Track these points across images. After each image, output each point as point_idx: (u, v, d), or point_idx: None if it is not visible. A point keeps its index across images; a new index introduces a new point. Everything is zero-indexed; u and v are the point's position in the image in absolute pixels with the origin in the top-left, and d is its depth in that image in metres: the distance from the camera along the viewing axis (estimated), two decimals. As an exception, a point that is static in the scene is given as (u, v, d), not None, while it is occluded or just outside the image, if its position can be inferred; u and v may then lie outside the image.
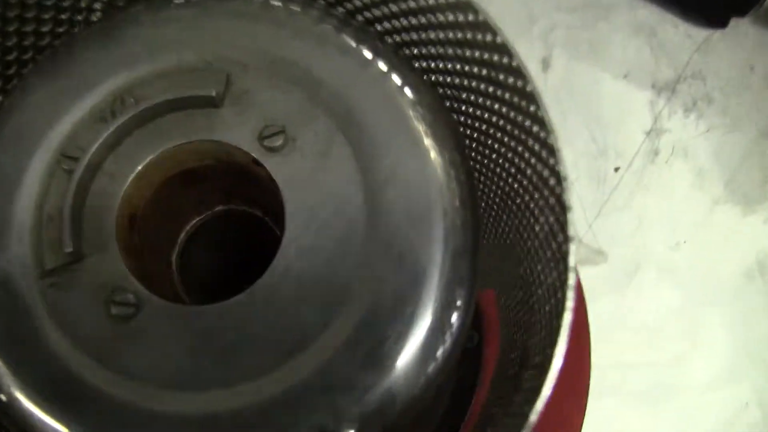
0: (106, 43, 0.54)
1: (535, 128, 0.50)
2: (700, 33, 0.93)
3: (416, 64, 0.58)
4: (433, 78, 0.59)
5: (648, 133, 0.89)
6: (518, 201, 0.56)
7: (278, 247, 0.50)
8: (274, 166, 0.52)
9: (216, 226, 0.61)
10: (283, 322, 0.49)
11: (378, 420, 0.48)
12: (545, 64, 0.89)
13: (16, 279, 0.51)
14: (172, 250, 0.61)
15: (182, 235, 0.61)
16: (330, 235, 0.50)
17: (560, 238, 0.49)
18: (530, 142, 0.51)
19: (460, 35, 0.54)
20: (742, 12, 0.90)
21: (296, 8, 0.55)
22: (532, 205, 0.53)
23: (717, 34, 0.92)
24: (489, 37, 0.51)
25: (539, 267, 0.53)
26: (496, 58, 0.52)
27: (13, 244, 0.51)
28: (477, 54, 0.53)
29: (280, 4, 0.55)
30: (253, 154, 0.52)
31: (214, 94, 0.52)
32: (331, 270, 0.50)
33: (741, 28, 0.95)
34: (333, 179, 0.51)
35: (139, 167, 0.52)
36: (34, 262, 0.51)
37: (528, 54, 0.89)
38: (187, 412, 0.48)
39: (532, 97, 0.49)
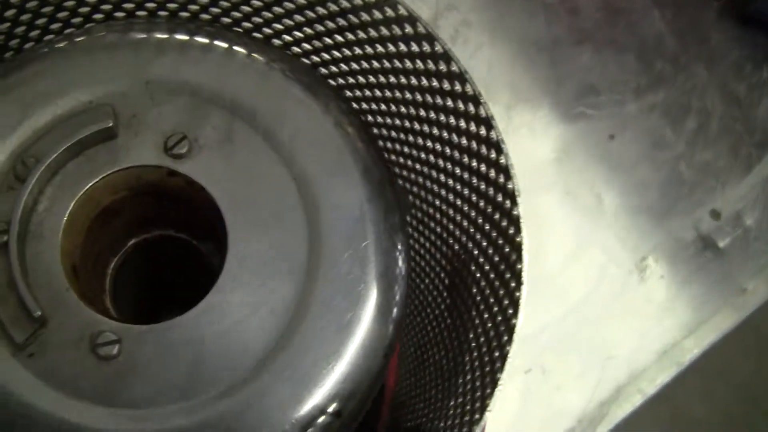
0: None
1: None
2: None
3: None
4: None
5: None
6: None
7: (226, 245, 0.53)
8: (190, 169, 0.55)
9: (141, 253, 0.63)
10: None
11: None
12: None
13: (-8, 364, 0.51)
14: (104, 281, 0.62)
15: (111, 266, 0.62)
16: (267, 206, 0.54)
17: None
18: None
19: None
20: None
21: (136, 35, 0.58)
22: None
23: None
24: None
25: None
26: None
27: (-27, 336, 0.51)
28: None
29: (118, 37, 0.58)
30: (166, 166, 0.55)
31: (111, 124, 0.54)
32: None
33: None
34: (244, 158, 0.55)
35: (64, 220, 0.54)
36: (4, 343, 0.51)
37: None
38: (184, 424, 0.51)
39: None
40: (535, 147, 0.96)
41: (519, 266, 0.53)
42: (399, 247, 0.56)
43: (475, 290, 0.58)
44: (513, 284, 0.54)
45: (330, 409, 0.52)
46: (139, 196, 0.57)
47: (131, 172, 0.55)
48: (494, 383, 0.51)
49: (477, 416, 0.51)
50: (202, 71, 0.57)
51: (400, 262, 0.56)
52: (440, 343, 0.61)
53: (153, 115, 0.55)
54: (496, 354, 0.53)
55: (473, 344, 0.57)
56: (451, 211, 0.61)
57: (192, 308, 0.53)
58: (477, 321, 0.57)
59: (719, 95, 1.00)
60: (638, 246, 0.95)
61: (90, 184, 0.54)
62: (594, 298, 0.93)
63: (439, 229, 0.63)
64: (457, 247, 0.61)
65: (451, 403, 0.56)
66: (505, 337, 0.52)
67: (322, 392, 0.52)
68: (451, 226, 0.61)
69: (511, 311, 0.53)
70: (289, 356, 0.52)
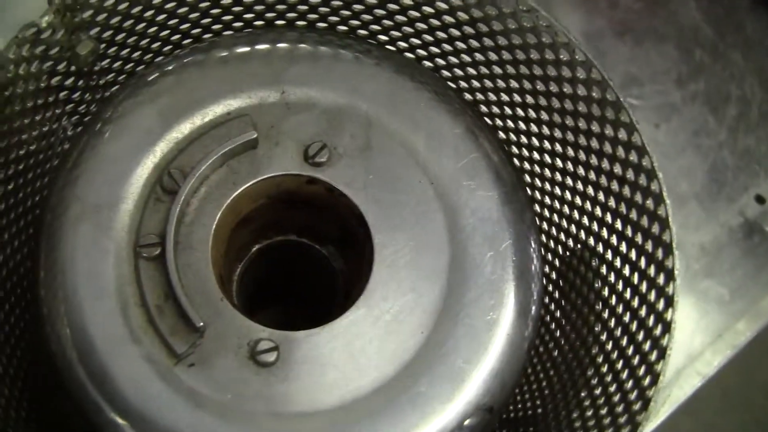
0: (138, 104, 0.56)
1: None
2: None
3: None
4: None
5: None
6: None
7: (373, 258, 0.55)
8: (331, 177, 0.56)
9: (263, 258, 0.64)
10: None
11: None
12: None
13: (153, 377, 0.52)
14: (232, 288, 0.63)
15: (237, 272, 0.63)
16: (408, 210, 0.56)
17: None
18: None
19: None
20: None
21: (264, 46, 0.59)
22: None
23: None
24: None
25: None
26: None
27: (136, 348, 0.52)
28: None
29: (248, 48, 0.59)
30: (306, 174, 0.56)
31: (255, 135, 0.55)
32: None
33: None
34: (383, 164, 0.56)
35: (212, 231, 0.55)
36: (164, 353, 0.52)
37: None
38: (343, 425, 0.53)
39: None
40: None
41: (668, 263, 0.54)
42: (533, 245, 0.58)
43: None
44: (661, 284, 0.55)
45: (483, 404, 0.54)
46: (275, 203, 0.58)
47: (272, 180, 0.56)
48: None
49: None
50: (334, 80, 0.58)
51: (536, 260, 0.57)
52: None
53: (291, 125, 0.56)
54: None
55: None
56: (568, 208, 0.62)
57: (344, 313, 0.54)
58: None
59: (757, 82, 1.03)
60: (687, 232, 0.98)
61: (234, 195, 0.55)
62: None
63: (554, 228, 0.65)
64: (571, 243, 0.63)
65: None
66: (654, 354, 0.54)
67: (475, 388, 0.54)
68: (569, 225, 0.63)
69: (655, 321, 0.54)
70: (443, 355, 0.54)
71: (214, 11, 0.58)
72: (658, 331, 0.52)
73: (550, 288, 0.63)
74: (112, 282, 0.53)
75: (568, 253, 0.60)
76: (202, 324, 0.52)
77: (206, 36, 0.60)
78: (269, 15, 0.60)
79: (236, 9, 0.59)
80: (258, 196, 0.57)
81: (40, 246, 0.55)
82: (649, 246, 0.54)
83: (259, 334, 0.53)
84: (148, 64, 0.59)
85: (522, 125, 0.61)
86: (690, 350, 0.94)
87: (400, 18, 0.59)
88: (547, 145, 0.60)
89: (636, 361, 0.53)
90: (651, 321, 0.53)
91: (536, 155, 0.62)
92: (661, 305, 0.53)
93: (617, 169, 0.56)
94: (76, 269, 0.53)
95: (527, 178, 0.63)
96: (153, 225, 0.54)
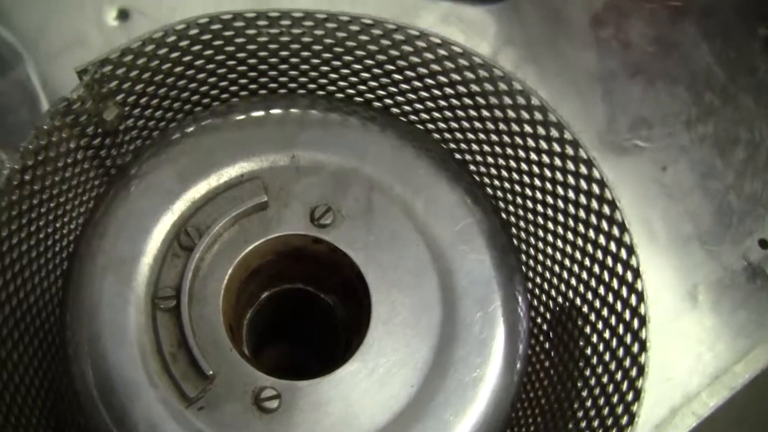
0: (160, 164, 0.62)
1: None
2: (492, 7, 1.06)
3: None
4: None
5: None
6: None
7: (370, 310, 0.60)
8: (334, 238, 0.61)
9: (272, 303, 0.69)
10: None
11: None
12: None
13: (169, 417, 0.57)
14: (242, 332, 0.68)
15: (247, 317, 0.68)
16: (405, 270, 0.60)
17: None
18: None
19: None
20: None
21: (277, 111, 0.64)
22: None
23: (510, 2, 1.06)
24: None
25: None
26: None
27: (151, 391, 0.57)
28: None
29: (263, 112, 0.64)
30: (312, 235, 0.60)
31: (265, 199, 0.60)
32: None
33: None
34: (383, 226, 0.61)
35: (224, 284, 0.60)
36: (177, 397, 0.57)
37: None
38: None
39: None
40: (591, 178, 1.02)
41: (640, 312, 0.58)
42: (522, 306, 0.62)
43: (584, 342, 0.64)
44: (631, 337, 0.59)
45: (465, 455, 0.59)
46: (283, 258, 0.63)
47: (280, 239, 0.61)
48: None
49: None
50: (341, 145, 0.63)
51: (524, 320, 0.62)
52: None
53: (300, 187, 0.61)
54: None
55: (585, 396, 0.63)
56: (557, 268, 0.66)
57: (342, 365, 0.59)
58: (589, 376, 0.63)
59: (767, 125, 1.06)
60: (690, 274, 1.01)
61: (245, 252, 0.60)
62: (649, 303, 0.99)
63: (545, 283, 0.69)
64: (561, 299, 0.66)
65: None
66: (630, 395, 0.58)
67: (460, 440, 0.59)
68: (555, 280, 0.67)
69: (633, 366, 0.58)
70: (432, 408, 0.58)
71: (231, 76, 0.63)
72: (630, 397, 0.56)
73: (540, 338, 0.67)
74: (132, 330, 0.58)
75: (556, 309, 0.64)
76: (211, 372, 0.57)
77: (224, 96, 0.64)
78: (282, 80, 0.64)
79: (252, 74, 0.63)
80: (267, 253, 0.62)
81: (68, 292, 0.60)
82: (626, 315, 0.59)
83: (263, 383, 0.58)
84: (170, 123, 0.63)
85: (509, 187, 0.65)
86: (687, 390, 0.98)
87: (403, 86, 0.64)
88: (536, 207, 0.64)
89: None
90: (624, 387, 0.57)
91: (527, 217, 0.65)
92: (634, 372, 0.57)
93: (591, 234, 0.60)
94: (100, 317, 0.59)
95: (517, 239, 0.66)
96: (170, 279, 0.59)
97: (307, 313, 0.70)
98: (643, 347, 0.56)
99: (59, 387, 0.59)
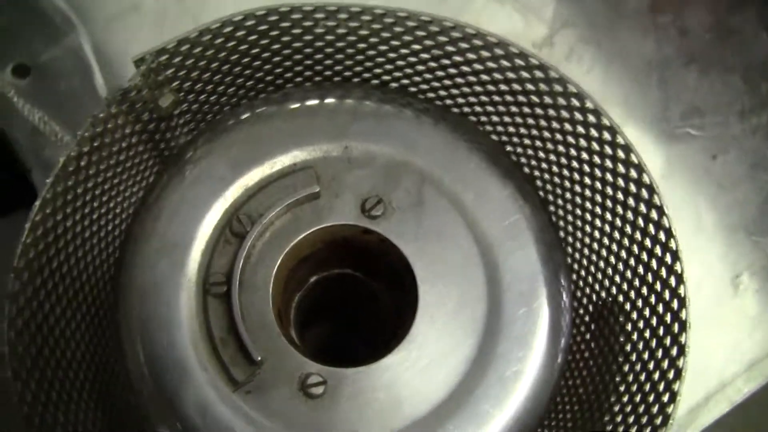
0: (214, 151, 0.63)
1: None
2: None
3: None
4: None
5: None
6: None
7: (417, 301, 0.61)
8: (385, 229, 0.62)
9: (320, 287, 0.70)
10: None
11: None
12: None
13: (217, 400, 0.59)
14: (290, 313, 0.69)
15: (296, 300, 0.70)
16: (452, 263, 0.61)
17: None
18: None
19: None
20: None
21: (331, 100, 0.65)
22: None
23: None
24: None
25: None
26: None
27: (201, 374, 0.59)
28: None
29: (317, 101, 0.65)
30: (362, 226, 0.61)
31: (317, 190, 0.61)
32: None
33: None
34: (433, 219, 0.62)
35: (274, 271, 0.61)
36: (225, 381, 0.59)
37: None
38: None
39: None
40: (642, 164, 1.01)
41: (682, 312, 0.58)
42: (566, 302, 0.63)
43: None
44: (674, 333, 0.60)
45: (503, 446, 0.60)
46: (333, 246, 0.64)
47: (331, 228, 0.62)
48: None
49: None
50: (394, 137, 0.63)
51: (567, 315, 0.63)
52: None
53: (351, 178, 0.62)
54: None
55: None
56: (602, 264, 0.67)
57: (386, 354, 0.60)
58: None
59: (820, 119, 1.05)
60: (735, 262, 1.01)
61: (296, 240, 0.61)
62: (692, 308, 0.99)
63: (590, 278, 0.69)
64: (604, 295, 0.67)
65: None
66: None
67: (498, 429, 0.60)
68: (599, 275, 0.67)
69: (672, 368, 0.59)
70: (472, 401, 0.60)
71: (286, 64, 0.64)
72: (665, 398, 0.57)
73: (582, 331, 0.67)
74: (183, 314, 0.60)
75: (599, 304, 0.65)
76: (260, 358, 0.58)
77: (279, 82, 0.65)
78: (337, 68, 0.65)
79: (307, 62, 0.64)
80: (317, 241, 0.63)
81: (121, 273, 0.62)
82: (667, 318, 0.59)
83: (310, 369, 0.59)
84: (225, 109, 0.64)
85: (559, 182, 0.65)
86: (723, 376, 0.98)
87: (459, 80, 0.64)
88: (585, 204, 0.64)
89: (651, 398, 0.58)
90: (660, 387, 0.58)
91: (575, 212, 0.66)
92: (671, 374, 0.57)
93: (638, 235, 0.60)
94: (152, 299, 0.60)
95: (564, 234, 0.67)
96: (221, 265, 0.60)
97: (354, 298, 0.72)
98: (681, 351, 0.56)
99: (111, 365, 0.61)
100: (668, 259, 0.58)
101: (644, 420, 0.59)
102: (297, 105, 0.64)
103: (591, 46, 1.05)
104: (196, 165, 0.63)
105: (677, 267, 0.57)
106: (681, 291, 0.57)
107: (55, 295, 0.56)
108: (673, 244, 0.57)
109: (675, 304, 0.58)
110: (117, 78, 0.85)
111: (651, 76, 1.07)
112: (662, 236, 0.58)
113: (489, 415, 0.60)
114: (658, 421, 0.58)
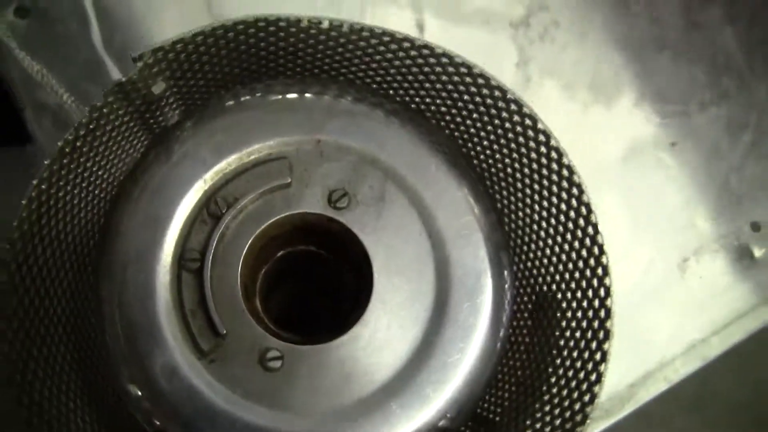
0: (199, 135, 0.68)
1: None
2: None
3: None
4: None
5: (517, 65, 1.07)
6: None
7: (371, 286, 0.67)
8: (348, 220, 0.67)
9: (285, 261, 0.76)
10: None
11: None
12: (420, 27, 1.04)
13: (183, 366, 0.65)
14: (255, 285, 0.75)
15: (262, 272, 0.76)
16: (407, 257, 0.67)
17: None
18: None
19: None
20: None
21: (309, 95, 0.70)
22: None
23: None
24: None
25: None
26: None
27: (170, 342, 0.65)
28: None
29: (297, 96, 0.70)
30: (327, 215, 0.67)
31: (289, 180, 0.66)
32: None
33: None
34: (392, 214, 0.67)
35: (244, 251, 0.67)
36: (192, 350, 0.65)
37: (405, 22, 1.02)
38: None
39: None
40: (605, 145, 1.07)
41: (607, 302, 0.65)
42: (508, 298, 0.69)
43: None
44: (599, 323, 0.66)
45: (441, 426, 0.67)
46: (300, 229, 0.70)
47: (299, 215, 0.68)
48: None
49: None
50: (363, 135, 0.68)
51: (507, 311, 0.69)
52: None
53: (321, 171, 0.67)
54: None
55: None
56: (544, 260, 0.73)
57: (341, 335, 0.66)
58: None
59: (776, 115, 1.10)
60: (684, 246, 1.07)
61: (267, 224, 0.67)
62: (639, 288, 1.05)
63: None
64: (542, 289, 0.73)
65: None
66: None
67: (435, 412, 0.67)
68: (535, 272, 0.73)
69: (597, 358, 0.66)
70: (416, 384, 0.66)
71: (271, 58, 0.68)
72: (598, 357, 0.63)
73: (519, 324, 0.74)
74: (158, 285, 0.65)
75: (533, 297, 0.71)
76: (224, 331, 0.64)
77: (264, 72, 0.70)
78: (317, 63, 0.70)
79: (290, 57, 0.69)
80: (285, 224, 0.68)
81: (105, 239, 0.67)
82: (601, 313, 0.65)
83: (269, 344, 0.65)
84: (213, 96, 0.69)
85: (506, 186, 0.71)
86: (663, 355, 1.05)
87: (426, 86, 0.69)
88: (527, 206, 0.70)
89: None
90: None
91: (518, 214, 0.71)
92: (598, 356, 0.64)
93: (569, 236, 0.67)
94: (131, 268, 0.66)
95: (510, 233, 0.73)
96: (197, 242, 0.66)
97: (317, 273, 0.77)
98: (607, 336, 0.63)
99: (90, 325, 0.66)
100: (596, 251, 0.64)
101: (575, 399, 0.66)
102: (278, 97, 0.69)
103: (564, 28, 1.10)
104: (182, 145, 0.67)
105: (603, 260, 0.63)
106: (607, 282, 0.63)
107: (43, 257, 0.62)
108: (600, 239, 0.63)
109: (602, 293, 0.63)
110: (113, 25, 0.90)
111: (621, 60, 1.11)
112: (591, 231, 0.64)
113: (429, 398, 0.66)
114: (587, 398, 0.64)
